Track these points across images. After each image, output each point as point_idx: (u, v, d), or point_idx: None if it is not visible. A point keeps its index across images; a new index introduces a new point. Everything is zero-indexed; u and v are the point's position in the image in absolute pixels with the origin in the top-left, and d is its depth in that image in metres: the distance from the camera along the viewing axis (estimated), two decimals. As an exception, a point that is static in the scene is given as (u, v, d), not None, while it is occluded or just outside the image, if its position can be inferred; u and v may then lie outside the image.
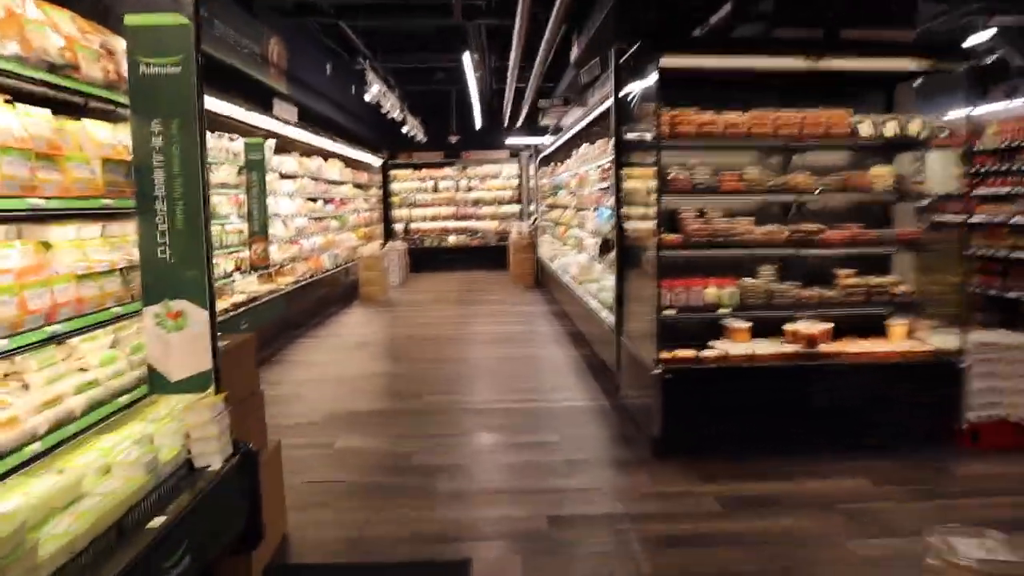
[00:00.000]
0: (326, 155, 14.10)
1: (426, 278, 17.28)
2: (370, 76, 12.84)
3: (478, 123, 18.02)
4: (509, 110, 16.58)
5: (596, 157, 9.90)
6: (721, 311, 5.39)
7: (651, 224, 5.26)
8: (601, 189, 9.83)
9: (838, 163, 5.80)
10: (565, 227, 13.67)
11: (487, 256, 18.67)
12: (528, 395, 6.92)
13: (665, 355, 5.15)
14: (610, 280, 7.70)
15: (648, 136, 5.39)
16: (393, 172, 19.42)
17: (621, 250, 6.86)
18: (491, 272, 17.85)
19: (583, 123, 10.39)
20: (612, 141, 7.18)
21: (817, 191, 5.46)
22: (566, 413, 6.30)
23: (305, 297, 10.83)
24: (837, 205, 5.82)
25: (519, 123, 17.70)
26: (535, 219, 15.70)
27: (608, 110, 7.45)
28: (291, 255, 10.92)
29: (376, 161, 18.37)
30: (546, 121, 16.06)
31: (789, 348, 5.29)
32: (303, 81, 11.36)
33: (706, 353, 5.23)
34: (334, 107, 13.82)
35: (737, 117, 5.31)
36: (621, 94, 6.66)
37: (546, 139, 15.64)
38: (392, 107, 14.27)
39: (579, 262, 10.61)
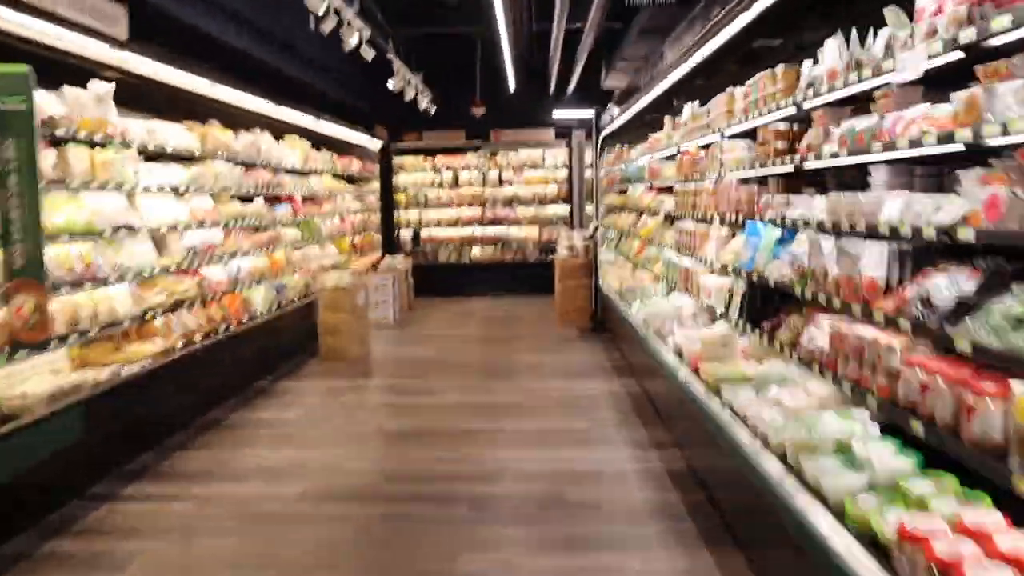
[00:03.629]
0: (278, 129, 9.20)
1: (437, 311, 12.33)
2: (346, 13, 7.90)
3: (511, 85, 12.88)
4: (556, 68, 11.48)
5: (740, 113, 4.84)
6: None
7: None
8: (759, 182, 4.77)
9: None
10: (643, 242, 8.60)
11: (525, 277, 13.62)
12: None
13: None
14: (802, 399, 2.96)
15: None
16: (398, 160, 14.44)
17: None
18: (530, 300, 12.79)
19: (695, 59, 5.36)
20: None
21: None
22: None
23: (187, 377, 5.94)
24: None
25: (571, 88, 12.56)
26: (595, 228, 10.64)
27: None
28: (173, 297, 6.03)
29: (373, 143, 13.43)
30: (611, 83, 10.92)
31: None
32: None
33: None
34: (282, 53, 8.91)
35: None
36: None
37: (612, 113, 10.54)
38: (382, 62, 9.31)
39: (701, 333, 5.47)
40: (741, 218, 4.80)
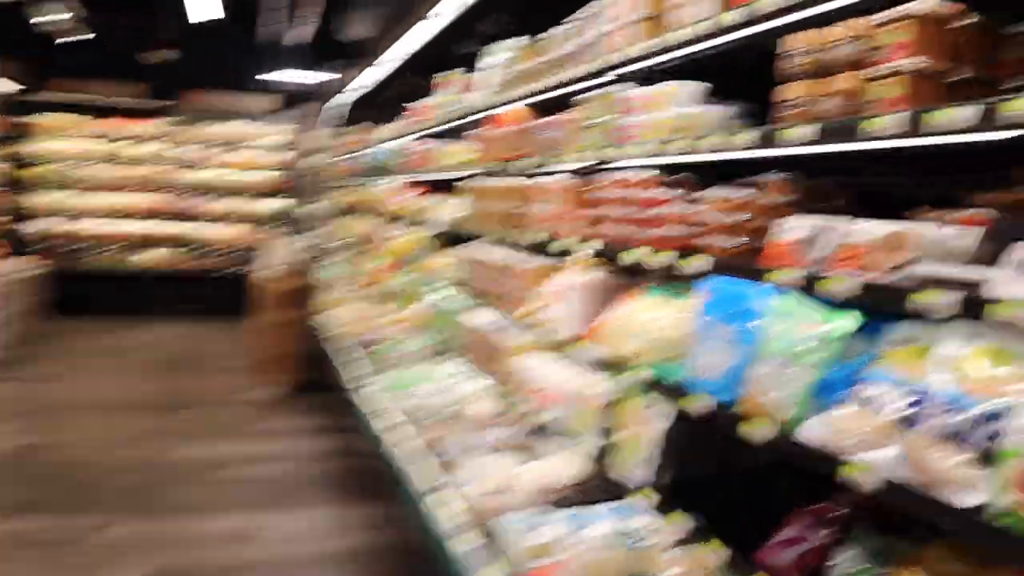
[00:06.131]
0: None
1: (77, 345, 8.41)
2: None
3: (208, 25, 9.18)
4: (278, 8, 8.12)
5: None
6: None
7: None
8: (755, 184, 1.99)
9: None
10: (394, 263, 5.65)
11: (220, 295, 9.87)
12: None
13: None
14: None
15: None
16: (41, 119, 10.00)
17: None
18: (225, 329, 9.13)
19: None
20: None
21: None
22: None
23: None
24: None
25: (294, 38, 9.19)
26: (319, 236, 7.45)
27: None
28: None
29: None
30: (357, 32, 7.81)
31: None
32: None
33: None
34: None
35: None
36: None
37: (355, 76, 7.46)
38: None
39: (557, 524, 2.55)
40: (678, 261, 2.02)
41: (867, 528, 1.53)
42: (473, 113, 4.10)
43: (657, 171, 2.44)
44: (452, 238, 4.63)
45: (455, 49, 4.86)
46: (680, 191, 2.23)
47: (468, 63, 4.28)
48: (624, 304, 2.58)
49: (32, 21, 7.88)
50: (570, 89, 3.01)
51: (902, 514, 1.43)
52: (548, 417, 2.79)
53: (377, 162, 6.74)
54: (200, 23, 8.73)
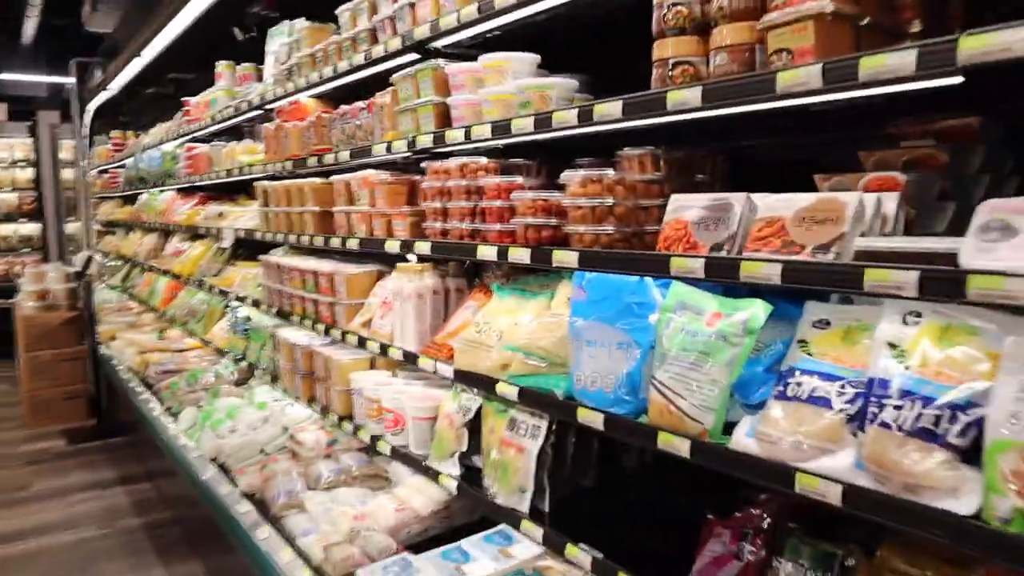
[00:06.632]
0: None
1: None
2: None
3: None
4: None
5: None
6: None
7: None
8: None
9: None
10: (179, 282, 5.02)
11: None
12: None
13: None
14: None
15: None
16: None
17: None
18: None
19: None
20: None
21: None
22: None
23: None
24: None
25: (29, 34, 7.94)
26: (88, 258, 6.48)
27: None
28: None
29: None
30: (100, 24, 6.84)
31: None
32: None
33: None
34: None
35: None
36: None
37: (105, 74, 6.54)
38: None
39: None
40: (533, 256, 1.75)
41: (799, 535, 1.36)
42: (255, 108, 3.61)
43: (490, 156, 2.18)
44: (249, 248, 4.11)
45: (232, 35, 4.29)
46: (525, 177, 1.98)
47: (255, 51, 3.77)
48: (469, 309, 2.30)
49: None
50: (371, 72, 2.66)
51: (829, 514, 1.28)
52: (396, 442, 2.46)
53: (149, 170, 5.92)
54: None
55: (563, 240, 1.76)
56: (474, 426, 2.15)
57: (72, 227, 7.94)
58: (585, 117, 1.62)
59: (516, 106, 1.88)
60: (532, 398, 1.80)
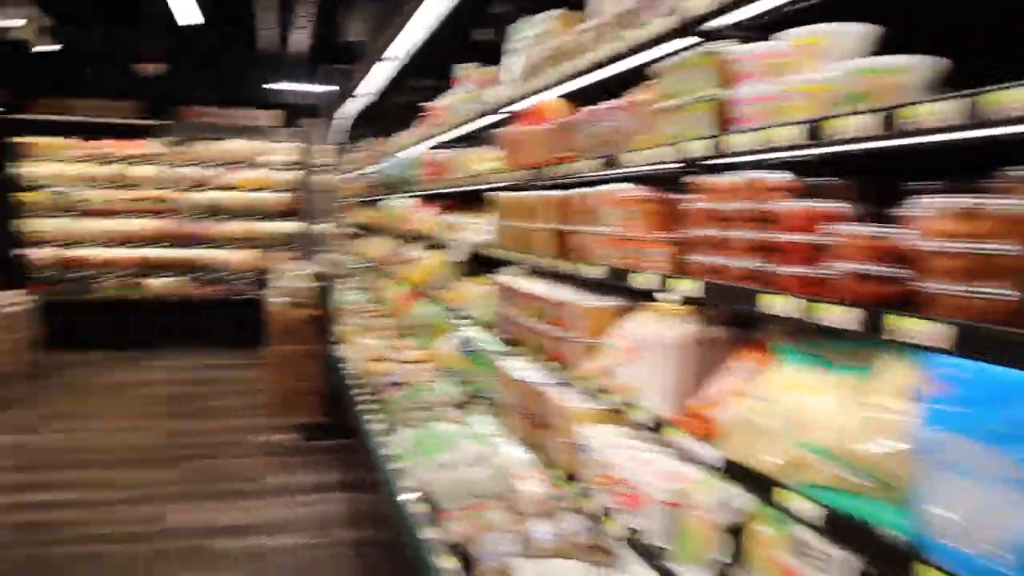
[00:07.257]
0: None
1: (71, 383, 7.78)
2: None
3: (201, 33, 8.47)
4: (275, 15, 7.41)
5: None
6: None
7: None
8: None
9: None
10: (412, 292, 4.89)
11: (231, 323, 9.20)
12: None
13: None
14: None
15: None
16: (28, 140, 9.34)
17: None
18: (237, 362, 8.43)
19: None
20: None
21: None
22: None
23: None
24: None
25: (296, 47, 8.45)
26: (333, 260, 6.68)
27: None
28: None
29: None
30: (359, 35, 7.08)
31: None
32: None
33: None
34: None
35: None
36: None
37: (361, 83, 6.69)
38: None
39: None
40: (864, 322, 1.15)
41: None
42: (493, 111, 3.29)
43: (792, 171, 1.61)
44: (482, 263, 3.82)
45: (476, 36, 4.06)
46: (842, 202, 1.39)
47: (494, 52, 3.47)
48: (740, 372, 1.74)
49: (7, 36, 7.20)
50: (628, 65, 2.19)
51: None
52: (630, 524, 1.96)
53: (391, 176, 5.94)
54: (192, 34, 8.00)
55: (903, 300, 1.16)
56: (740, 534, 1.60)
57: (322, 228, 8.34)
58: (971, 115, 1.02)
59: (841, 99, 1.30)
60: (849, 533, 1.22)
